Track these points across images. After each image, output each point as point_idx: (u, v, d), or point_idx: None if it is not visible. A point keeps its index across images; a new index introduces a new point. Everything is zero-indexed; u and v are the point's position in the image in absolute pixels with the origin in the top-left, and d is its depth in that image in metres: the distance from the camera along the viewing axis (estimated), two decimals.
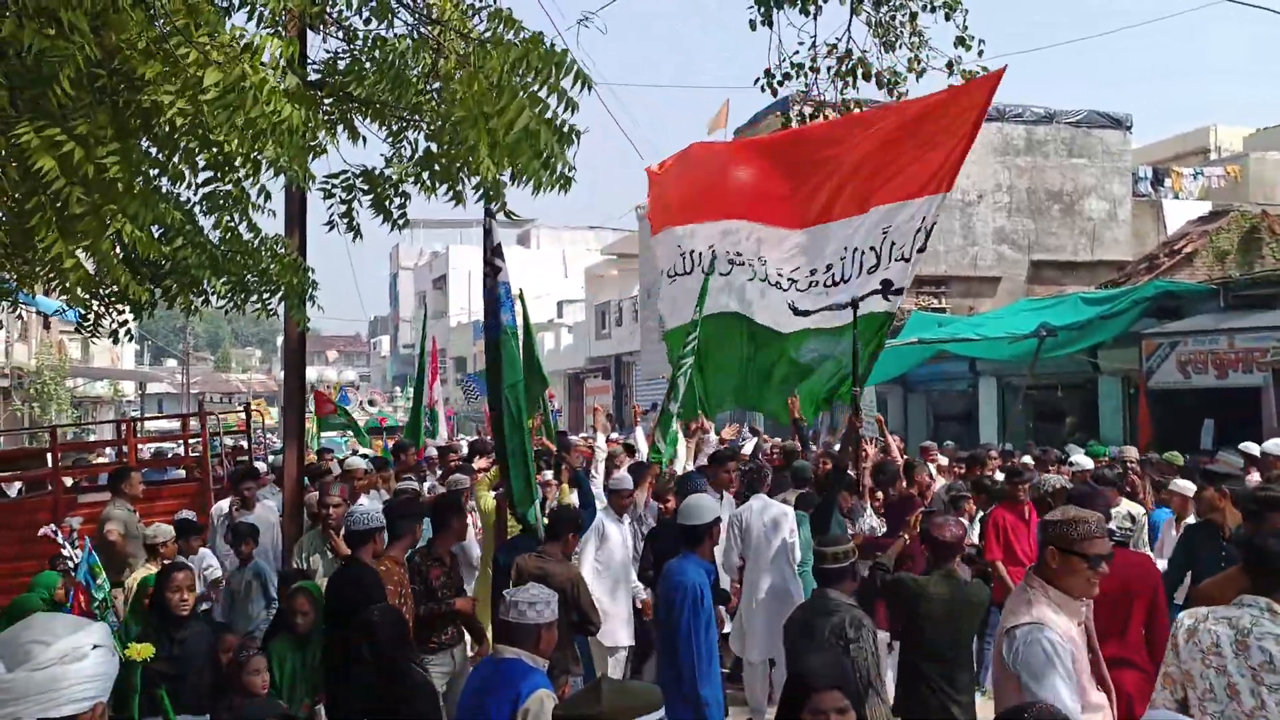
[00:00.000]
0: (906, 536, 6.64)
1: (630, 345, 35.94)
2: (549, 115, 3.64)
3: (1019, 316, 17.38)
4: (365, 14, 4.13)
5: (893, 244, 9.02)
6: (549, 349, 42.29)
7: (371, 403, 40.64)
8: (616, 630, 7.58)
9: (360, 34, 4.25)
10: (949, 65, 9.24)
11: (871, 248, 9.20)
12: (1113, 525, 7.43)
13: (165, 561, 7.56)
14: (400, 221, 4.70)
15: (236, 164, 3.68)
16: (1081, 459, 11.38)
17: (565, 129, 3.65)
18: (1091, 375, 17.71)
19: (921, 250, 8.99)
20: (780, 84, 9.42)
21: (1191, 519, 7.91)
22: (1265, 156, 30.10)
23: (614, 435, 16.07)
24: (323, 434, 17.13)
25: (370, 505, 6.82)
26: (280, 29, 5.56)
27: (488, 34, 3.54)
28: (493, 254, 6.78)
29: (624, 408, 37.98)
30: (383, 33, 4.16)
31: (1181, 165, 31.50)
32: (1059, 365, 17.30)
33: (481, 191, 3.80)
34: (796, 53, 9.32)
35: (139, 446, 12.87)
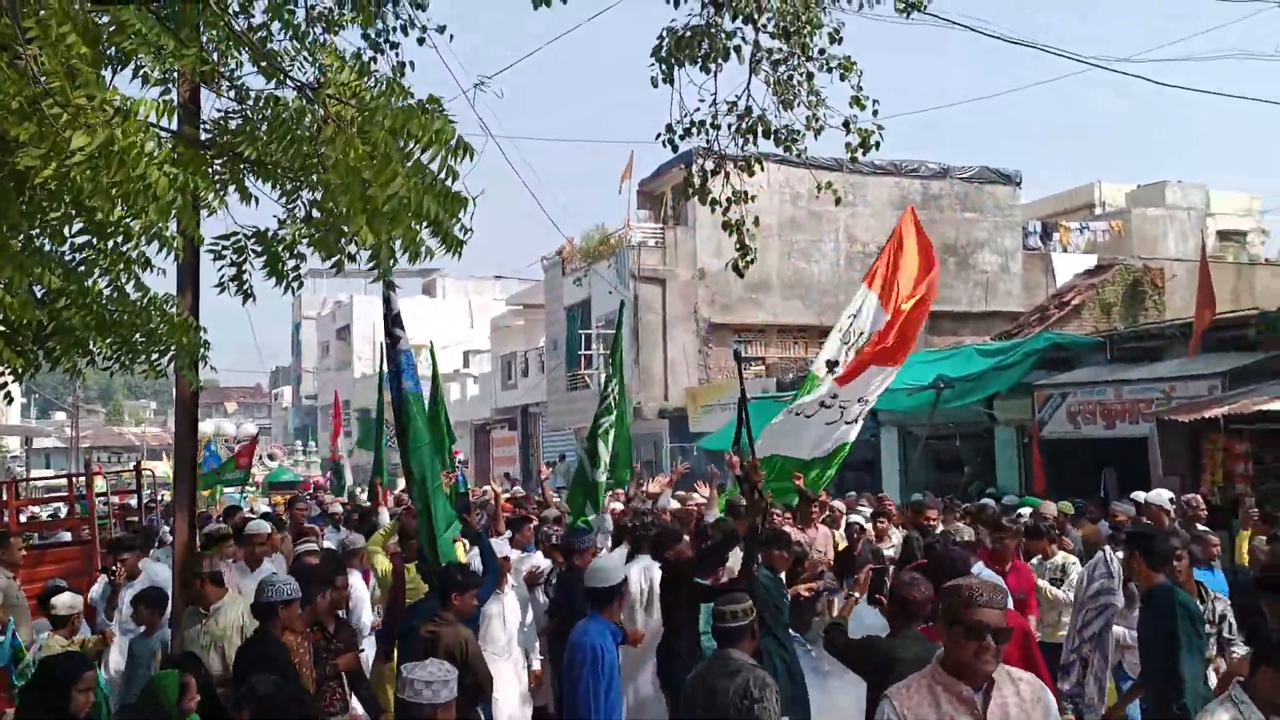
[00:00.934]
0: (858, 594, 6.43)
1: (536, 396, 35.78)
2: (434, 181, 3.60)
3: (917, 368, 17.69)
4: (256, 72, 4.06)
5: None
6: (455, 399, 41.83)
7: (271, 457, 39.64)
8: (511, 705, 7.37)
9: (252, 93, 4.17)
10: (845, 124, 9.44)
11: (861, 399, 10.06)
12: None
13: (72, 635, 7.21)
14: (295, 284, 4.59)
15: (109, 230, 3.57)
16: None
17: (451, 195, 3.62)
18: (988, 425, 18.12)
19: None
20: (682, 139, 9.53)
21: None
22: (1146, 212, 31.34)
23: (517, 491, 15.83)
24: (224, 489, 16.62)
25: (281, 575, 6.44)
26: (170, 88, 5.45)
27: (372, 100, 3.49)
28: (392, 323, 6.76)
29: (529, 459, 37.77)
30: (275, 92, 4.10)
31: (1069, 220, 32.66)
32: (957, 415, 17.66)
33: (369, 256, 3.74)
34: (698, 109, 9.45)
35: (19, 509, 12.32)
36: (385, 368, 7.22)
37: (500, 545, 7.97)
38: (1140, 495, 11.01)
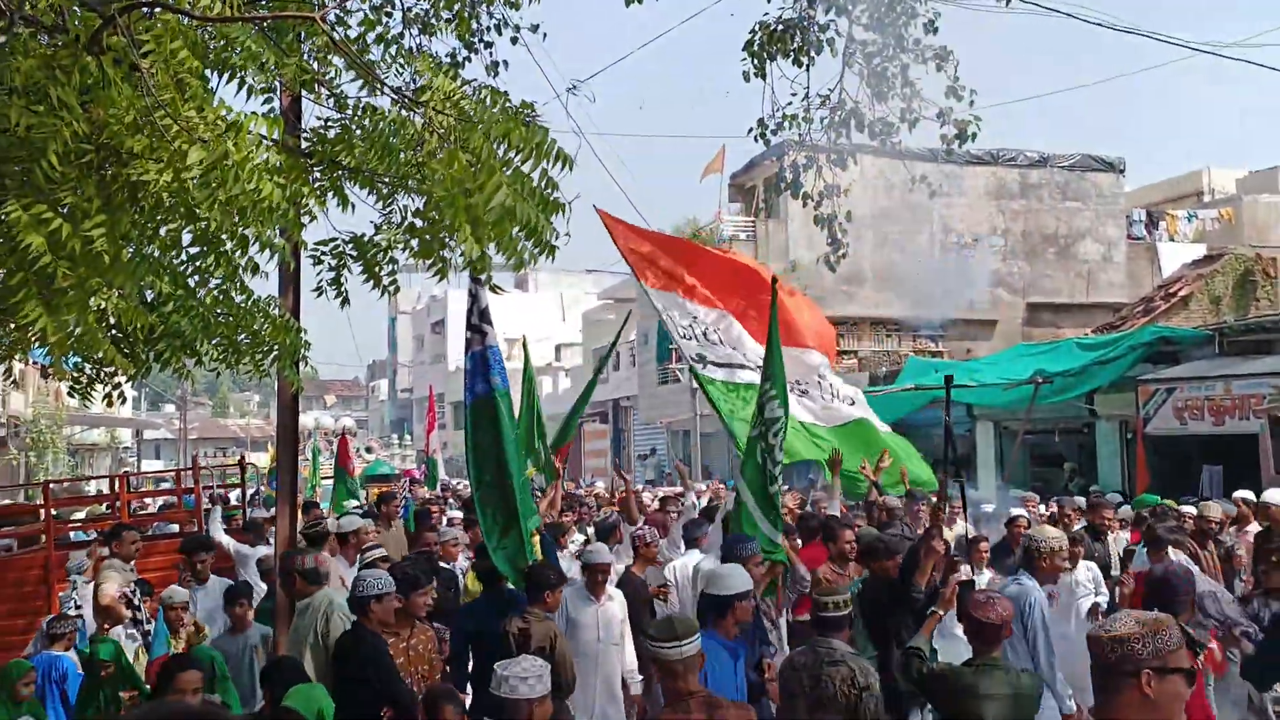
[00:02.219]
0: (941, 611, 5.63)
1: (628, 390, 35.94)
2: (534, 189, 3.67)
3: (1015, 362, 17.42)
4: (353, 80, 4.16)
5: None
6: (547, 392, 42.23)
7: (369, 449, 40.49)
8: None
9: (350, 101, 4.26)
10: (940, 115, 9.30)
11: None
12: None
13: (179, 628, 7.34)
14: (391, 287, 4.69)
15: (223, 238, 3.69)
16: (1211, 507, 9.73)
17: (550, 200, 3.68)
18: (1089, 420, 17.71)
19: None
20: (774, 134, 9.49)
21: None
22: (1258, 199, 30.24)
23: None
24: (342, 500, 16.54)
25: (375, 571, 6.28)
26: (274, 98, 5.60)
27: (473, 109, 3.56)
28: (480, 318, 6.86)
29: (621, 452, 37.91)
30: (374, 101, 4.19)
31: (1175, 208, 31.66)
32: (1056, 410, 17.30)
33: (467, 263, 3.81)
34: (789, 103, 9.40)
35: (130, 502, 12.78)
36: (464, 363, 7.28)
37: (600, 551, 7.48)
38: (1249, 494, 10.62)
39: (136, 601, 7.65)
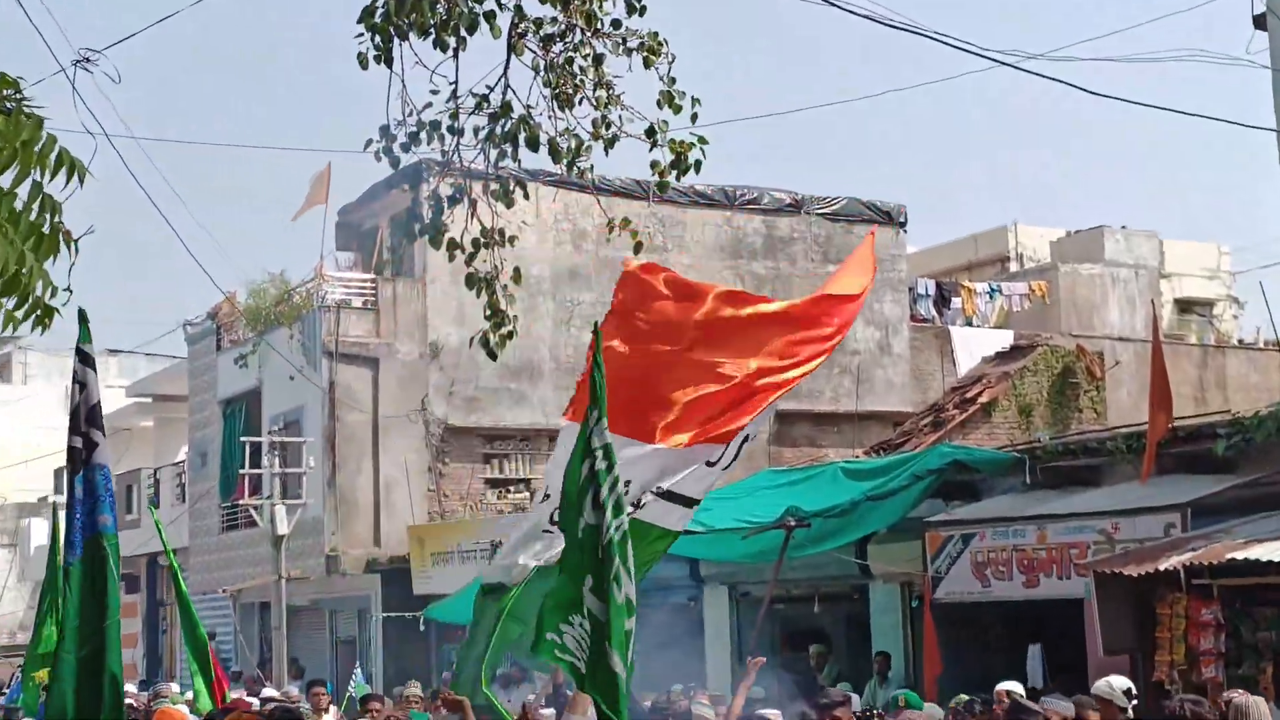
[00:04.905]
0: None
1: (175, 540, 34.60)
2: (15, 214, 3.52)
3: (758, 496, 17.95)
4: None
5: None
6: (38, 543, 39.97)
7: None
8: None
9: None
10: (650, 131, 9.57)
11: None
12: None
13: None
14: None
15: None
16: None
17: (45, 237, 3.53)
18: (860, 581, 18.55)
19: None
20: (405, 149, 9.50)
21: None
22: (1078, 270, 32.79)
23: None
24: None
25: None
26: None
27: None
28: (88, 420, 7.27)
29: (159, 644, 36.41)
30: None
31: (973, 279, 33.92)
32: (815, 566, 18.03)
33: None
34: (429, 104, 9.44)
35: None
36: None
37: None
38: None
39: None
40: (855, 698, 14.32)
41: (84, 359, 7.49)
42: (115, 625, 7.77)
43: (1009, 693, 12.79)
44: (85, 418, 7.67)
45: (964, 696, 13.29)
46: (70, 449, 7.79)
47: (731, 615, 20.39)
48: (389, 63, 9.08)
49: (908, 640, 17.97)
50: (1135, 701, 10.76)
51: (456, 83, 9.32)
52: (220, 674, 15.23)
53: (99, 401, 7.74)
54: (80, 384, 7.75)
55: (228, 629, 32.43)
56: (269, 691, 17.65)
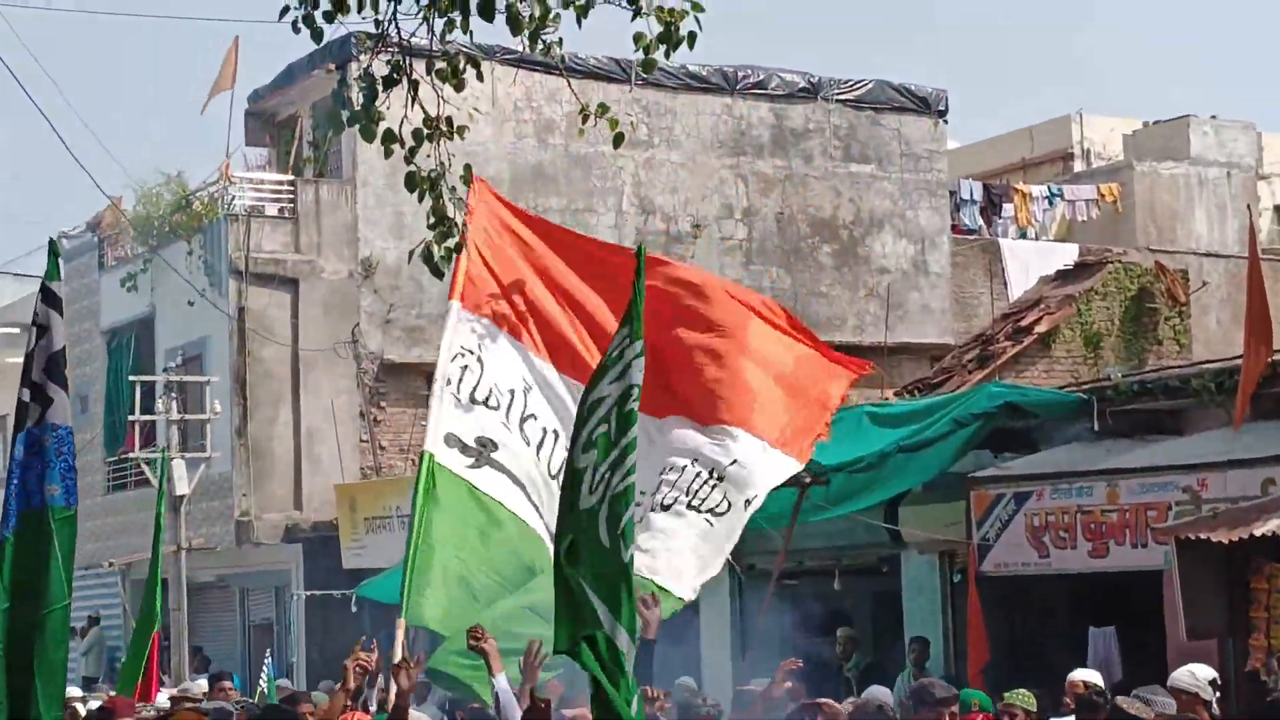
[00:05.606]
0: None
1: None
2: None
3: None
4: None
5: None
6: None
7: None
8: None
9: None
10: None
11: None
12: None
13: None
14: None
15: None
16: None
17: None
18: (889, 550, 18.53)
19: None
20: (330, 19, 9.43)
21: None
22: (1158, 170, 32.47)
23: None
24: None
25: None
26: None
27: None
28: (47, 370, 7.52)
29: None
30: None
31: (1028, 181, 33.58)
32: (835, 533, 18.00)
33: None
34: None
35: None
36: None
37: None
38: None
39: None
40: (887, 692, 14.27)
41: (48, 298, 7.60)
42: (58, 616, 7.81)
43: (1085, 684, 12.76)
44: (44, 367, 7.73)
45: (1023, 692, 12.88)
46: (19, 403, 7.83)
47: (733, 594, 20.30)
48: None
49: (948, 622, 17.98)
50: (1219, 694, 10.79)
51: None
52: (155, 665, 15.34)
53: (63, 349, 7.76)
54: (41, 326, 7.83)
55: (115, 610, 32.42)
56: (163, 696, 17.54)
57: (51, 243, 7.63)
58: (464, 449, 11.82)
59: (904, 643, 18.15)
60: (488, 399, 12.21)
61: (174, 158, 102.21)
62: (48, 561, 7.68)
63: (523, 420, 12.38)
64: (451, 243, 10.05)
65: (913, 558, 18.51)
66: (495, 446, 12.01)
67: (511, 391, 12.39)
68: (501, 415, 12.24)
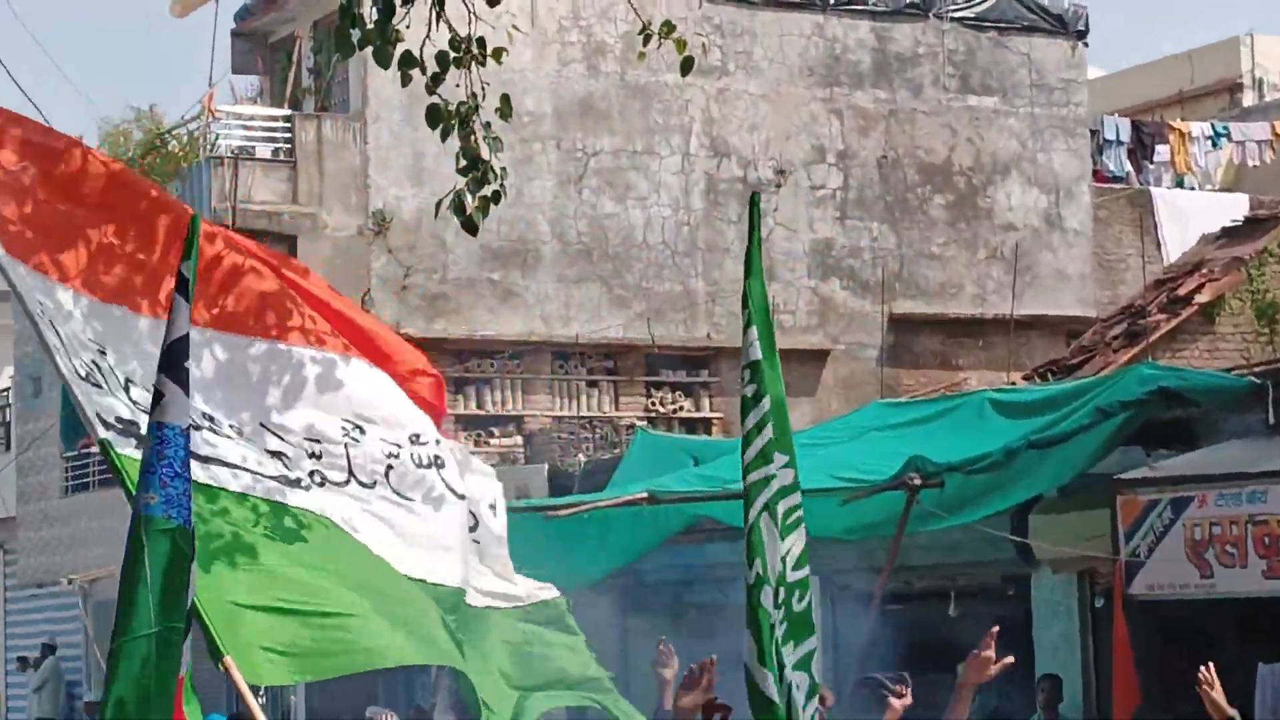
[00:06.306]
0: None
1: None
2: None
3: (866, 441, 17.94)
4: None
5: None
6: None
7: None
8: None
9: None
10: None
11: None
12: None
13: None
14: None
15: None
16: None
17: None
18: (1018, 568, 18.56)
19: None
20: None
21: None
22: None
23: None
24: None
25: None
26: None
27: None
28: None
29: None
30: None
31: (1188, 117, 33.58)
32: (950, 546, 18.05)
33: None
34: None
35: None
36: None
37: None
38: None
39: None
40: None
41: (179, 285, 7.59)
42: (138, 647, 7.75)
43: None
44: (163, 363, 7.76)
45: None
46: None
47: (826, 619, 20.38)
48: None
49: (1088, 657, 17.99)
50: None
51: None
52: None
53: (185, 335, 7.74)
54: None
55: (75, 635, 32.69)
56: None
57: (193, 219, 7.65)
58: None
59: (1033, 681, 18.17)
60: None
61: (146, 90, 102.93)
62: (136, 584, 7.74)
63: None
64: (488, 190, 10.10)
65: (1045, 577, 18.51)
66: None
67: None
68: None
